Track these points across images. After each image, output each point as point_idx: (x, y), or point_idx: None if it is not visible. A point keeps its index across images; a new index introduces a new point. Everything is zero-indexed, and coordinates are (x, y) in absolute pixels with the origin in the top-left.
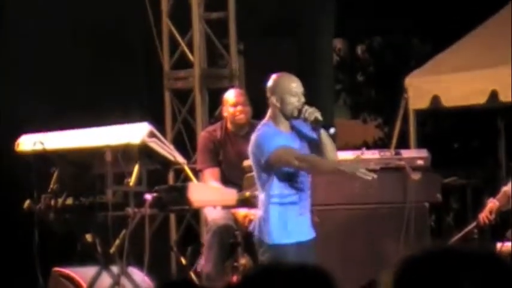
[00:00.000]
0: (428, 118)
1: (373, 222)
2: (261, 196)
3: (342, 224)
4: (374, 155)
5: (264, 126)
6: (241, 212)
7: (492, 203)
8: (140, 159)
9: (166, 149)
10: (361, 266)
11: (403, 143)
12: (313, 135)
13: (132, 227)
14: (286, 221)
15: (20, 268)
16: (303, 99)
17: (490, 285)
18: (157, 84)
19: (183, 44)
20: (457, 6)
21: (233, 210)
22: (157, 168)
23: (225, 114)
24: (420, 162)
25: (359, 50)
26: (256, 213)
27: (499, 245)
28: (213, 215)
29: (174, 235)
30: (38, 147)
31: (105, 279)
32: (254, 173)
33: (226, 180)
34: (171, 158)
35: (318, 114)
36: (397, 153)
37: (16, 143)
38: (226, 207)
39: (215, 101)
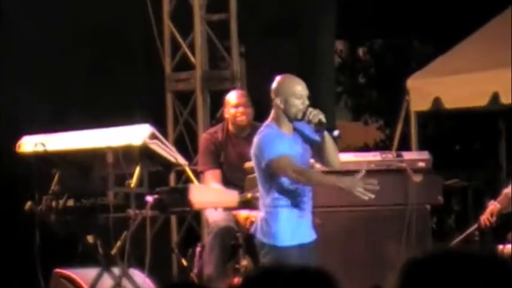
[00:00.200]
0: (430, 120)
1: (375, 224)
2: (263, 198)
3: (343, 226)
4: (375, 157)
5: (266, 128)
6: (243, 213)
7: (493, 206)
8: (141, 161)
9: (168, 151)
10: (362, 268)
11: (405, 145)
12: (316, 137)
13: (133, 229)
14: (287, 223)
15: (21, 269)
16: (307, 102)
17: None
18: (158, 86)
19: (184, 46)
20: (458, 7)
21: (234, 212)
22: (159, 170)
23: (226, 115)
24: (421, 164)
25: (360, 51)
26: (257, 215)
27: (500, 247)
28: (214, 217)
29: (175, 237)
30: (39, 148)
31: (107, 281)
32: (256, 175)
33: (228, 181)
34: (173, 159)
35: (322, 117)
36: (399, 155)
37: (17, 144)
38: (227, 209)
39: (217, 102)
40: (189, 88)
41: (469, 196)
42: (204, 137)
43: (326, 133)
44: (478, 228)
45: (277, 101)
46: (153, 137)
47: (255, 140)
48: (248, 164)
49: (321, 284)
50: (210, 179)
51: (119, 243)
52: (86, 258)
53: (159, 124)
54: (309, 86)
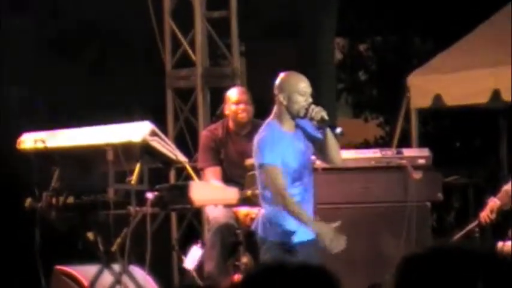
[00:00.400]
0: (430, 117)
1: (375, 221)
2: (263, 195)
3: (344, 223)
4: (375, 154)
5: (267, 127)
6: (243, 210)
7: (493, 202)
8: (142, 158)
9: (168, 148)
10: (363, 265)
11: (405, 142)
12: (318, 134)
13: (133, 226)
14: (289, 221)
15: (21, 266)
16: (310, 100)
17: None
18: (159, 83)
19: (185, 43)
20: (459, 4)
21: (235, 209)
22: (159, 167)
23: (227, 112)
24: (422, 161)
25: (361, 48)
26: (257, 212)
27: (500, 244)
28: (215, 214)
29: (175, 234)
30: (40, 145)
31: (107, 278)
32: (256, 172)
33: (228, 178)
34: (173, 156)
35: (324, 114)
36: (399, 152)
37: (17, 141)
38: (227, 205)
39: (217, 100)
40: (190, 85)
41: (470, 193)
42: (204, 134)
43: (328, 130)
44: (478, 225)
45: (281, 97)
46: (153, 134)
47: (255, 139)
48: (248, 161)
49: (321, 281)
50: (210, 176)
51: (119, 240)
52: (87, 255)
53: (160, 121)
54: (310, 84)
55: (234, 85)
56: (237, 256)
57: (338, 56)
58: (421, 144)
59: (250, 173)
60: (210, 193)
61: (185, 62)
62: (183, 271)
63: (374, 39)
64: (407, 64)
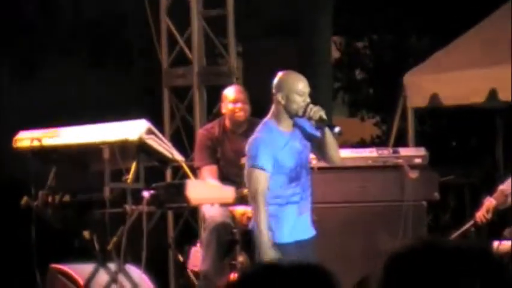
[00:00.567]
0: (427, 116)
1: (371, 220)
2: None
3: (340, 222)
4: (372, 153)
5: (264, 126)
6: (239, 209)
7: (489, 202)
8: (138, 156)
9: (164, 146)
10: (359, 264)
11: (401, 141)
12: (317, 133)
13: (129, 224)
14: (286, 221)
15: (17, 265)
16: (308, 100)
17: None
18: (155, 82)
19: (181, 42)
20: (456, 3)
21: (231, 208)
22: (155, 166)
23: (223, 110)
24: (418, 160)
25: (359, 45)
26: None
27: (496, 243)
28: (211, 213)
29: (171, 232)
30: (36, 143)
31: (103, 276)
32: (245, 171)
33: (224, 177)
34: (169, 155)
35: (322, 113)
36: (395, 152)
37: (14, 139)
38: (224, 204)
39: (214, 98)
40: (186, 84)
41: (466, 192)
42: (200, 132)
43: (327, 129)
44: (474, 224)
45: (279, 96)
46: (149, 132)
47: (250, 138)
48: (245, 160)
49: (318, 280)
50: (207, 175)
51: (115, 238)
52: (82, 254)
53: (156, 120)
54: (308, 83)
55: (230, 83)
56: (233, 255)
57: (335, 54)
58: (417, 144)
59: None
60: (207, 192)
61: (182, 60)
62: (180, 270)
63: (371, 37)
64: (404, 63)
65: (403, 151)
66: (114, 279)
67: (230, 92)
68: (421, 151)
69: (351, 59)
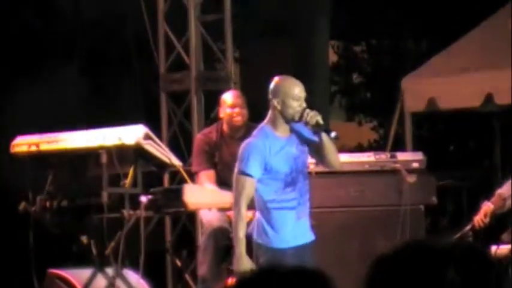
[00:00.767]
0: (424, 120)
1: (369, 224)
2: (258, 199)
3: (338, 227)
4: (369, 157)
5: (260, 131)
6: None
7: (487, 206)
8: (136, 161)
9: (162, 151)
10: (357, 268)
11: (399, 146)
12: (314, 138)
13: (127, 229)
14: (284, 226)
15: (15, 270)
16: (304, 105)
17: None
18: (153, 87)
19: (178, 47)
20: (454, 7)
21: (228, 213)
22: (153, 171)
23: (221, 115)
24: (415, 164)
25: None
26: (252, 216)
27: (494, 248)
28: (209, 217)
29: (169, 237)
30: (33, 148)
31: (100, 281)
32: (234, 175)
33: (222, 182)
34: (167, 160)
35: (319, 118)
36: (393, 156)
37: (11, 145)
38: (221, 209)
39: (211, 103)
40: (184, 88)
41: (464, 196)
42: (198, 137)
43: (324, 134)
44: (472, 228)
45: (275, 102)
46: (147, 137)
47: (244, 142)
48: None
49: (317, 285)
50: (204, 180)
51: (112, 243)
52: (80, 259)
53: (153, 125)
54: (304, 88)
55: (228, 88)
56: (230, 260)
57: (333, 58)
58: (415, 148)
59: None
60: (204, 196)
61: (179, 65)
62: (177, 275)
63: (369, 41)
64: (402, 67)
65: (401, 155)
66: (112, 284)
67: (228, 97)
68: (419, 155)
69: (349, 63)
